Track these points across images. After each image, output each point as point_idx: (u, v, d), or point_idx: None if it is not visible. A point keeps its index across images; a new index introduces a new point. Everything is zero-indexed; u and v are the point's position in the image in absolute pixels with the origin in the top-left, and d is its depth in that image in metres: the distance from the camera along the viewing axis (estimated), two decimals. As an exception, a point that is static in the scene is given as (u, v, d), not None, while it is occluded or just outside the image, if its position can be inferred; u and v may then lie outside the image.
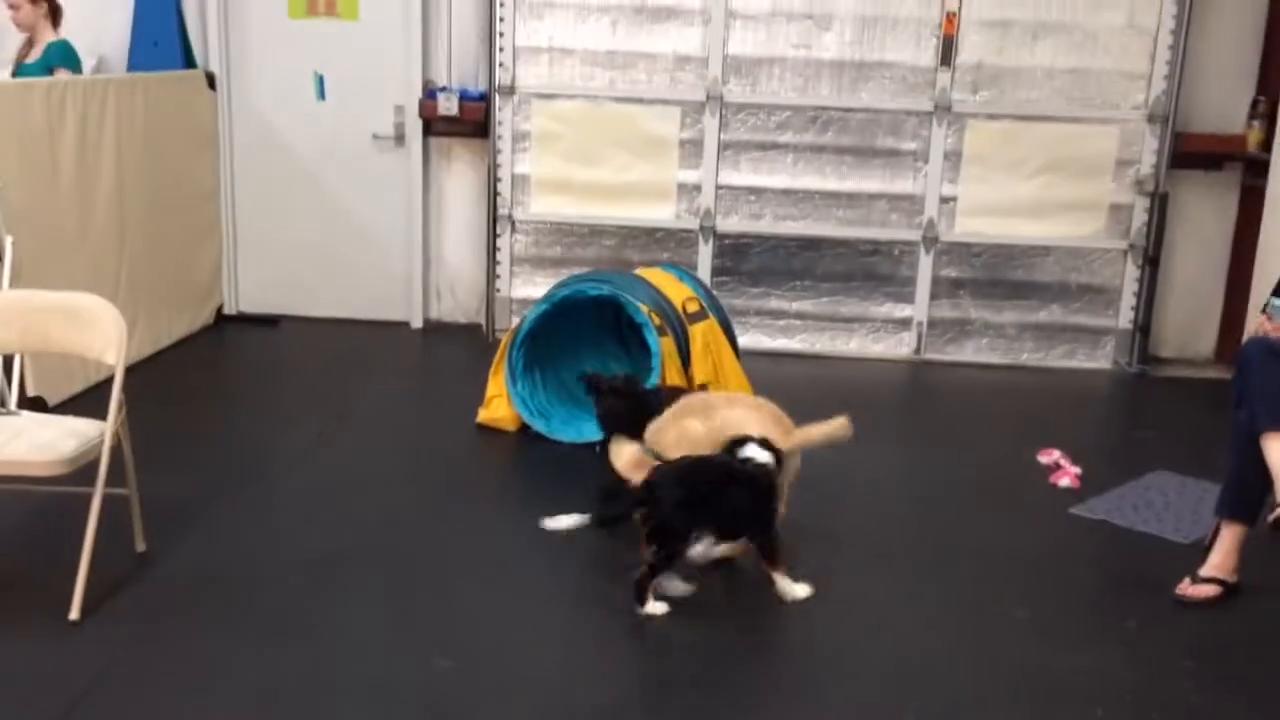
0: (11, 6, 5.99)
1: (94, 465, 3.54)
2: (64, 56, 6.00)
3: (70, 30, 6.27)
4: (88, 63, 6.62)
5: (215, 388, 6.00)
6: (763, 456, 3.69)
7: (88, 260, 5.54)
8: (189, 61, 6.71)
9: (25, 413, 4.05)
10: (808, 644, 3.54)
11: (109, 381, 3.63)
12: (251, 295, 7.10)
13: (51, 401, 5.11)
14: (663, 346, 5.07)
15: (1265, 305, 4.03)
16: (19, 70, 6.01)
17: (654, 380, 4.99)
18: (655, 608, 3.54)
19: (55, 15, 6.09)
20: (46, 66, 5.95)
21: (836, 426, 4.06)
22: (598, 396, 4.47)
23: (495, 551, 4.05)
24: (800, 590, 3.71)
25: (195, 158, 6.67)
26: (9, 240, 4.85)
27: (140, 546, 3.86)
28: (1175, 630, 3.66)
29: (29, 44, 6.09)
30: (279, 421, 5.38)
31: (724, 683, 3.27)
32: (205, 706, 3.04)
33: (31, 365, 5.01)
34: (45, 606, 3.44)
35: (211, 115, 6.81)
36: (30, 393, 5.01)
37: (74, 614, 3.41)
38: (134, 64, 6.63)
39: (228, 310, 7.06)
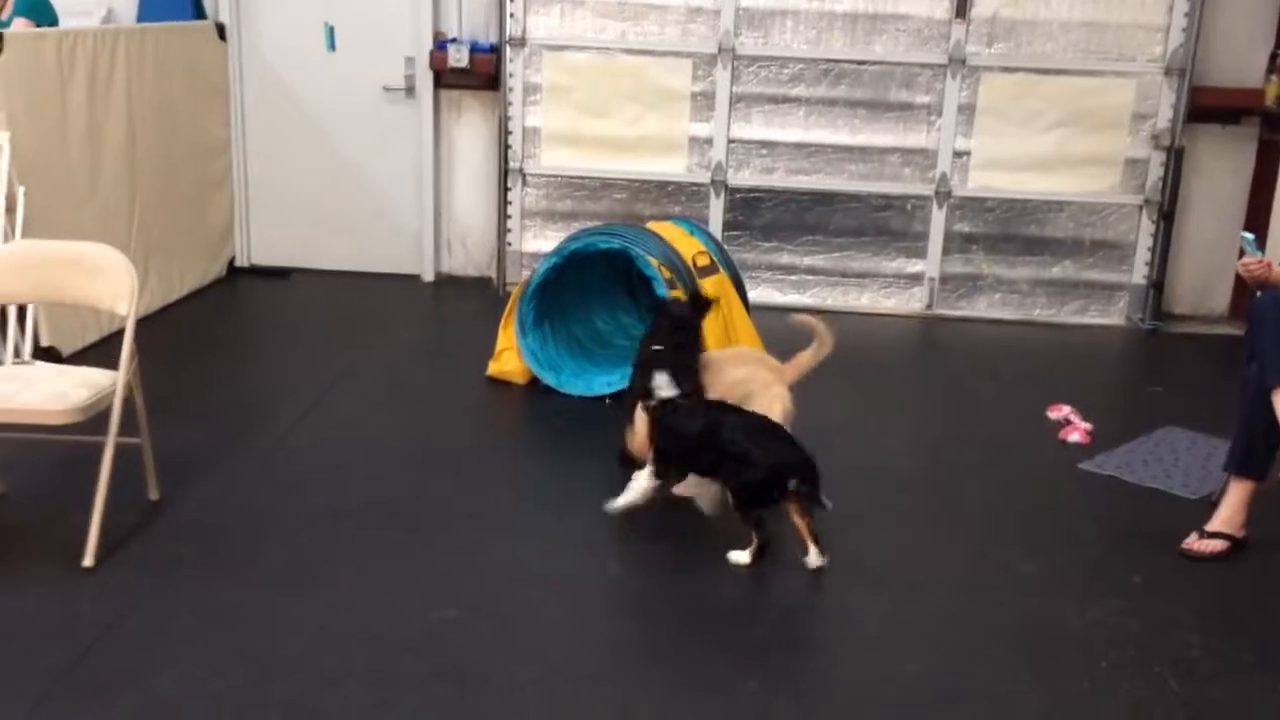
0: None
1: (106, 415, 3.57)
2: (27, 6, 5.81)
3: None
4: (94, 14, 6.59)
5: (227, 339, 6.02)
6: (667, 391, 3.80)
7: (99, 212, 5.55)
8: (199, 12, 6.68)
9: (39, 363, 4.08)
10: (811, 599, 3.56)
11: (122, 332, 3.65)
12: (263, 248, 7.11)
13: (65, 352, 5.14)
14: (673, 300, 5.06)
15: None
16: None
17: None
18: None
19: None
20: (13, 17, 5.82)
21: (819, 344, 4.16)
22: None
23: (503, 503, 4.07)
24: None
25: (206, 109, 6.65)
26: (21, 191, 4.86)
27: (153, 495, 3.90)
28: (1181, 585, 3.67)
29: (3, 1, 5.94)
30: (290, 373, 5.41)
31: (726, 638, 3.30)
32: (215, 654, 3.08)
33: (45, 316, 5.04)
34: (60, 553, 3.49)
35: (222, 66, 6.78)
36: (44, 343, 5.05)
37: (88, 560, 3.45)
38: (144, 14, 6.60)
39: (239, 262, 7.07)
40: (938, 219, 6.65)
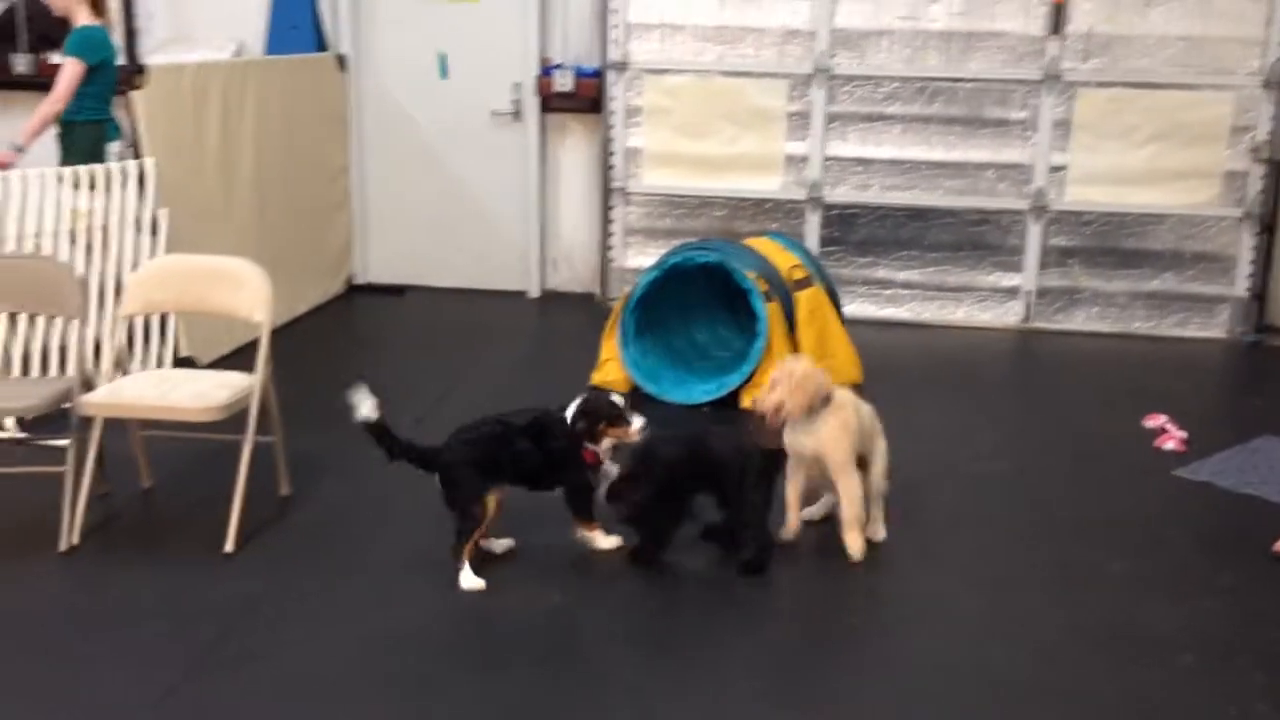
0: None
1: (244, 415, 3.89)
2: (76, 45, 5.49)
3: (212, 17, 6.68)
4: (227, 48, 7.05)
5: (347, 351, 6.37)
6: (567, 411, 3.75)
7: (231, 232, 5.94)
8: (321, 44, 7.10)
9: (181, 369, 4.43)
10: (902, 592, 3.71)
11: (251, 345, 3.98)
12: (379, 266, 7.49)
13: (201, 362, 5.52)
14: (769, 312, 5.25)
15: None
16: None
17: (759, 345, 5.19)
18: (470, 581, 3.59)
19: (96, 3, 5.64)
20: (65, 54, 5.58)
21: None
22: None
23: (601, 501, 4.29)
24: (606, 541, 3.80)
25: (327, 135, 7.06)
26: (163, 213, 5.27)
27: (284, 490, 4.22)
28: (1270, 586, 3.73)
29: (64, 27, 5.72)
30: (406, 382, 5.71)
31: (818, 626, 3.47)
32: (338, 630, 3.36)
33: (184, 328, 5.43)
34: (204, 540, 3.81)
35: (342, 95, 7.19)
36: (182, 353, 5.44)
37: (229, 547, 3.77)
38: (271, 48, 7.04)
39: (357, 280, 7.45)
40: (1034, 233, 6.72)
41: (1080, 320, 6.80)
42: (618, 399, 3.80)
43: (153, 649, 3.25)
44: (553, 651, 3.28)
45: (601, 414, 3.73)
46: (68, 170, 4.97)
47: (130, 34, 6.39)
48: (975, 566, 3.86)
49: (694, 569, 3.79)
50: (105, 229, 5.06)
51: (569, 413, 3.74)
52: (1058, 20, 6.47)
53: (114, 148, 5.64)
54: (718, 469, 3.72)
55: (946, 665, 3.27)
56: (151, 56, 6.63)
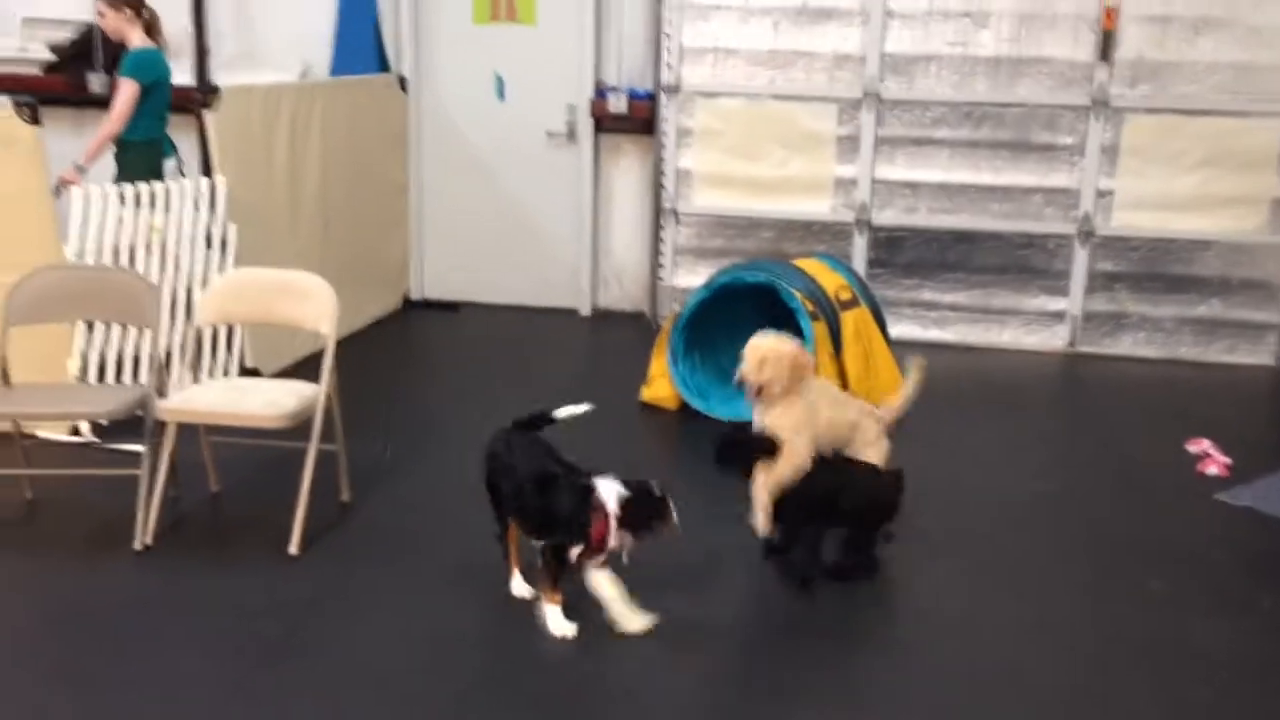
0: (98, 14, 5.96)
1: (306, 424, 4.06)
2: (131, 66, 5.72)
3: (280, 38, 6.91)
4: (294, 70, 7.28)
5: (405, 365, 6.56)
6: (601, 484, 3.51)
7: (297, 248, 6.15)
8: (384, 66, 7.32)
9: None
10: (937, 606, 3.80)
11: (312, 357, 4.17)
12: (435, 282, 7.68)
13: (264, 373, 5.71)
14: (815, 331, 5.36)
15: None
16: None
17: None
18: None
19: (150, 26, 5.89)
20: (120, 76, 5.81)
21: (915, 377, 4.25)
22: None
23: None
24: (556, 626, 3.50)
25: (388, 154, 7.27)
26: (233, 229, 5.48)
27: (345, 496, 4.39)
28: (1310, 608, 3.78)
29: (123, 50, 5.95)
30: (460, 395, 5.89)
31: (866, 636, 3.57)
32: (395, 626, 3.53)
33: (249, 340, 5.63)
34: (270, 542, 3.99)
35: (402, 115, 7.40)
36: (248, 364, 5.64)
37: (293, 549, 3.94)
38: (336, 69, 7.27)
39: (414, 296, 7.65)
40: (1080, 257, 6.78)
41: (1127, 345, 6.84)
42: (658, 490, 3.53)
43: (221, 641, 3.42)
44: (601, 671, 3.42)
45: (649, 507, 3.49)
46: (144, 187, 5.20)
47: (200, 53, 6.69)
48: (1015, 577, 3.95)
49: (737, 584, 3.91)
50: (178, 243, 5.28)
51: (606, 488, 3.48)
52: (1107, 46, 6.54)
53: (170, 165, 5.87)
54: (861, 504, 3.81)
55: (984, 670, 3.36)
56: (220, 76, 6.90)
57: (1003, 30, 6.65)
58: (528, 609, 3.62)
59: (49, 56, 7.23)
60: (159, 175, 5.71)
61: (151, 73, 5.76)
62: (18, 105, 4.71)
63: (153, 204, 5.22)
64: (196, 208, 5.37)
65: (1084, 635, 3.59)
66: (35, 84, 6.99)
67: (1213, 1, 6.42)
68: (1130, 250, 6.75)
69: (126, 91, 5.66)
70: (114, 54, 6.17)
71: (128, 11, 5.81)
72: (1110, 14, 6.50)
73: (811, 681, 3.30)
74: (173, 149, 6.04)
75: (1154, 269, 6.75)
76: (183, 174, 5.73)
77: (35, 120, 4.76)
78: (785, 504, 3.75)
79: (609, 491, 3.46)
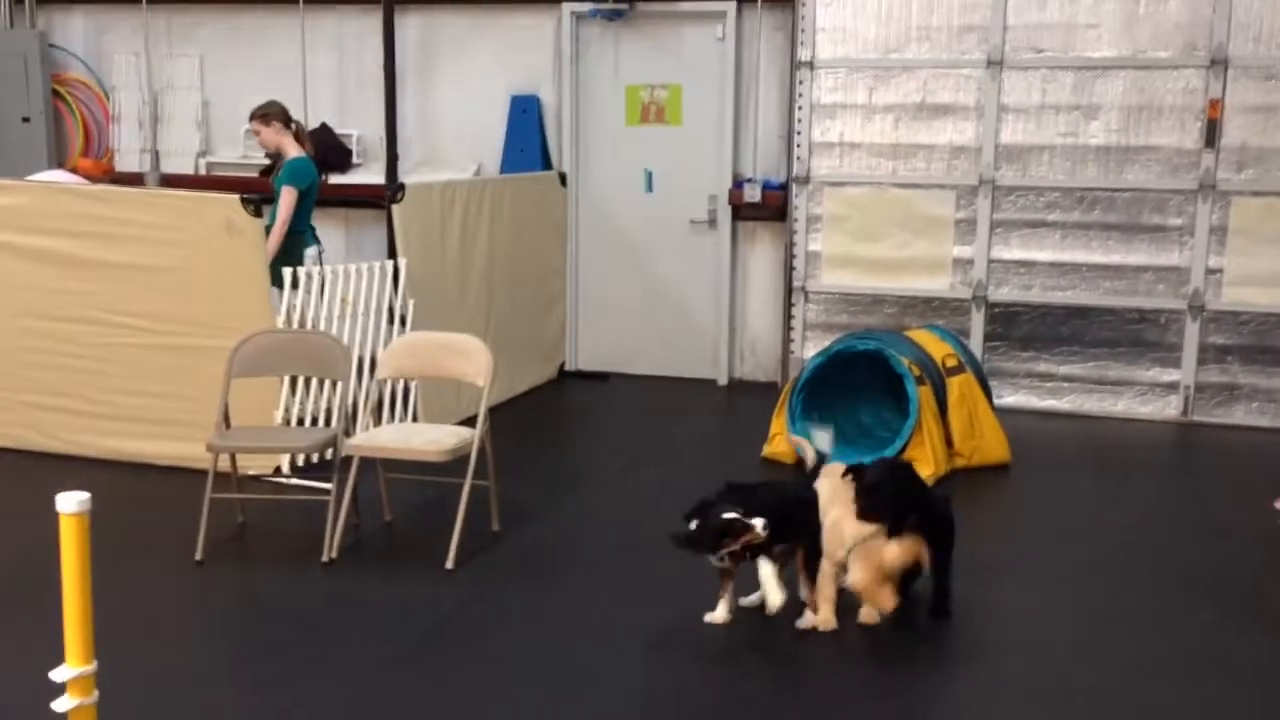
0: (254, 131, 6.81)
1: (466, 461, 4.86)
2: (289, 175, 6.52)
3: (456, 146, 7.95)
4: (469, 169, 8.31)
5: (556, 425, 7.37)
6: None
7: (464, 322, 7.03)
8: (547, 164, 8.27)
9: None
10: (1008, 620, 4.28)
11: (475, 414, 4.95)
12: (588, 354, 8.51)
13: (434, 427, 6.59)
14: (920, 395, 5.90)
15: None
16: (274, 184, 6.68)
17: (910, 423, 5.85)
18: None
19: (300, 135, 6.74)
20: (280, 184, 6.58)
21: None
22: None
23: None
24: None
25: (548, 241, 8.18)
26: (411, 303, 6.41)
27: (495, 526, 5.15)
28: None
29: (278, 158, 6.77)
30: (604, 451, 6.64)
31: (939, 646, 4.10)
32: (529, 630, 4.24)
33: (422, 400, 6.52)
34: (430, 559, 4.78)
35: (562, 206, 8.32)
36: (419, 419, 6.52)
37: (449, 564, 4.72)
38: (505, 167, 8.26)
39: (568, 367, 8.49)
40: (1191, 331, 7.11)
41: (1240, 415, 7.10)
42: (730, 515, 4.01)
43: (387, 630, 4.20)
44: (708, 652, 4.04)
45: (719, 530, 4.01)
46: (341, 269, 6.17)
47: (391, 160, 7.74)
48: (1078, 603, 4.41)
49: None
50: (365, 314, 6.24)
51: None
52: (1211, 134, 6.94)
53: (311, 252, 6.68)
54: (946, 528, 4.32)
55: (1040, 678, 3.85)
56: (408, 176, 7.95)
57: (1112, 122, 7.12)
58: (648, 617, 4.27)
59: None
60: (300, 261, 6.42)
61: (305, 179, 6.64)
62: (245, 202, 5.72)
63: (347, 281, 6.19)
64: (382, 285, 6.32)
65: (1128, 650, 4.02)
66: (252, 185, 8.17)
67: (1314, 90, 6.78)
68: (1240, 324, 7.05)
69: (288, 199, 6.52)
70: (324, 158, 7.24)
71: (277, 125, 6.67)
72: (1215, 105, 6.91)
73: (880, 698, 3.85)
74: (315, 239, 6.86)
75: (1264, 342, 7.02)
76: (322, 261, 6.59)
77: (259, 214, 5.78)
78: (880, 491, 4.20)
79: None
